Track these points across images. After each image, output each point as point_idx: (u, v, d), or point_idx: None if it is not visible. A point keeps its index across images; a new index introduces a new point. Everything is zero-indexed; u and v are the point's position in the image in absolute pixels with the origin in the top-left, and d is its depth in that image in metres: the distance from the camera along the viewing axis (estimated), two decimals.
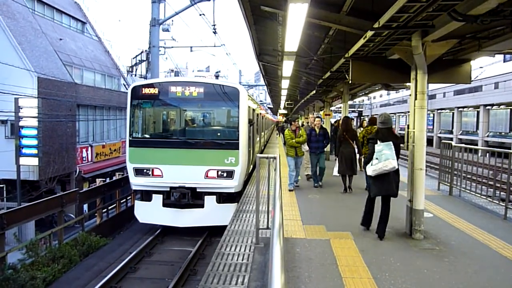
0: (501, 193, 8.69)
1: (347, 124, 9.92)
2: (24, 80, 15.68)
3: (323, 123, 12.09)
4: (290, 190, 9.47)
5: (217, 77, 40.10)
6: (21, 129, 14.42)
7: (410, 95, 6.13)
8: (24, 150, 14.52)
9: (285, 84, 16.20)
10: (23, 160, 14.55)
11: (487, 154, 9.56)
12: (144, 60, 27.71)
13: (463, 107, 39.28)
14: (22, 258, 9.34)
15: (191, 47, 24.65)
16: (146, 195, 10.14)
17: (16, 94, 14.15)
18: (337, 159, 9.59)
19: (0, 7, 16.74)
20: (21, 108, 14.27)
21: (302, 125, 13.38)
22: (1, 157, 15.25)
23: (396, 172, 5.68)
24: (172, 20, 24.44)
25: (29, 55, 16.55)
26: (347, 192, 9.44)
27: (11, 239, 11.01)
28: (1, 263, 8.62)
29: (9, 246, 10.06)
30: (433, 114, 44.85)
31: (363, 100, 62.56)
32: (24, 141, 14.53)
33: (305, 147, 9.91)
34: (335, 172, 9.63)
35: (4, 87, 13.86)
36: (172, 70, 42.61)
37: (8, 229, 9.36)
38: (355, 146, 9.50)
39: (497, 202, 8.05)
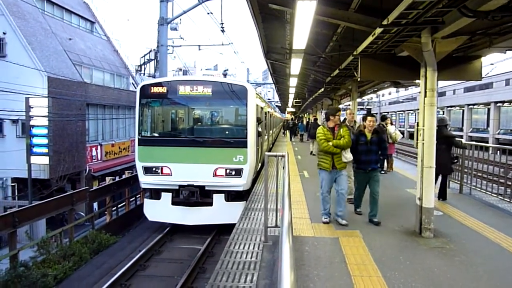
0: (507, 189, 8.60)
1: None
2: (35, 80, 15.87)
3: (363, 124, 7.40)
4: (325, 222, 6.43)
5: (225, 75, 40.11)
6: (32, 128, 14.59)
7: (419, 92, 6.07)
8: (35, 149, 14.69)
9: (293, 82, 16.16)
10: (34, 159, 14.73)
11: (498, 151, 9.45)
12: (152, 59, 27.89)
13: (474, 105, 38.82)
14: (34, 256, 9.48)
15: (199, 45, 24.65)
16: (155, 194, 10.20)
17: (26, 94, 14.32)
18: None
19: (10, 8, 16.93)
20: (32, 107, 14.42)
21: (344, 121, 8.59)
22: (12, 156, 15.47)
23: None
24: (180, 19, 24.49)
25: (39, 55, 16.73)
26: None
27: (23, 237, 11.17)
28: (13, 260, 8.75)
29: (21, 243, 10.21)
30: (443, 112, 44.40)
31: (371, 98, 62.09)
32: (35, 140, 14.69)
33: (348, 156, 6.42)
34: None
35: (15, 87, 14.03)
36: (181, 69, 42.69)
37: (20, 227, 9.50)
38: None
39: (508, 200, 7.95)
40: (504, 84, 34.65)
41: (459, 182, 9.23)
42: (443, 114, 44.38)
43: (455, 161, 8.42)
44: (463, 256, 5.05)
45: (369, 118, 6.81)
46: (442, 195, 8.13)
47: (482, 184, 8.96)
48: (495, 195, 8.38)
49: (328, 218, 6.49)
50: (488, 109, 35.87)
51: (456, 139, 8.38)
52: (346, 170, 6.54)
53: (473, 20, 4.75)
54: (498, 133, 33.97)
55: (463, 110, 40.62)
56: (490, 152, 10.42)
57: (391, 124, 12.49)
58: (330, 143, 6.25)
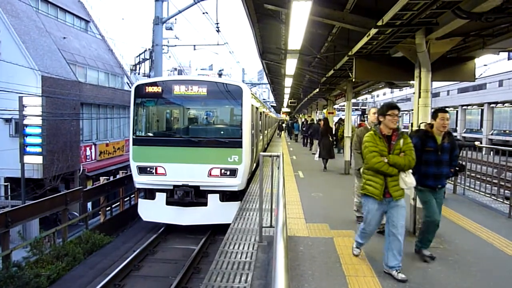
0: (506, 191, 8.66)
1: (327, 123, 13.71)
2: (28, 79, 15.74)
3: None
4: (355, 255, 4.98)
5: (220, 75, 40.08)
6: (25, 128, 14.49)
7: (414, 93, 6.11)
8: (28, 149, 14.60)
9: (288, 82, 16.18)
10: (27, 159, 14.63)
11: (491, 152, 9.52)
12: (147, 59, 27.77)
13: (467, 105, 39.08)
14: (27, 256, 9.41)
15: (194, 45, 24.63)
16: (149, 193, 10.17)
17: (20, 93, 14.21)
18: (318, 147, 12.75)
19: (4, 6, 16.79)
20: (25, 106, 14.33)
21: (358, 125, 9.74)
22: (5, 155, 15.33)
23: None
24: (176, 19, 24.42)
25: (33, 54, 16.61)
26: (325, 171, 12.78)
27: (16, 237, 11.08)
28: (6, 260, 8.68)
29: (14, 244, 10.13)
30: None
31: (366, 98, 62.33)
32: (28, 140, 14.60)
33: (410, 180, 4.36)
34: (316, 157, 13.05)
35: (8, 86, 13.92)
36: (176, 69, 42.65)
37: (13, 227, 9.43)
38: (331, 139, 13.29)
39: (502, 200, 8.01)
40: (498, 85, 34.93)
41: (452, 183, 9.29)
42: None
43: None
44: (456, 256, 5.07)
45: (441, 114, 4.75)
46: None
47: (475, 184, 9.02)
48: (489, 196, 8.44)
49: (358, 252, 4.99)
50: (482, 110, 36.14)
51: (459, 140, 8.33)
52: (404, 200, 4.47)
53: (467, 22, 4.80)
54: (492, 134, 34.23)
55: (457, 111, 40.90)
56: (483, 152, 10.50)
57: None
58: (385, 159, 4.30)
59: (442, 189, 4.95)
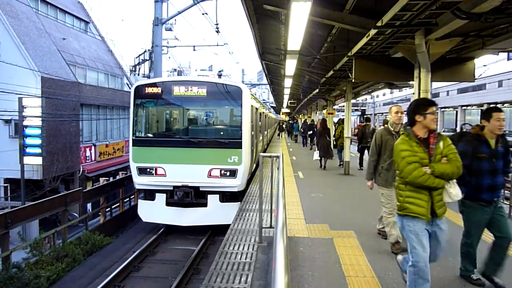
0: (505, 192, 8.65)
1: (324, 124, 14.31)
2: (28, 80, 15.74)
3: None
4: None
5: (220, 76, 40.10)
6: (25, 129, 14.46)
7: (413, 93, 6.11)
8: (28, 150, 14.57)
9: (288, 83, 16.19)
10: (27, 160, 14.60)
11: None
12: (147, 60, 27.72)
13: (467, 106, 39.09)
14: (27, 257, 9.40)
15: (194, 46, 24.62)
16: (149, 194, 10.16)
17: (20, 94, 14.20)
18: (317, 147, 13.70)
19: (4, 7, 16.80)
20: (25, 107, 14.30)
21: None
22: (5, 156, 15.32)
23: None
24: (175, 20, 24.43)
25: (32, 55, 16.61)
26: (325, 169, 13.42)
27: (16, 238, 11.08)
28: (6, 261, 8.68)
29: (14, 245, 10.14)
30: (437, 113, 44.66)
31: (366, 99, 62.40)
32: (28, 141, 14.57)
33: (455, 191, 3.54)
34: (316, 156, 13.67)
35: (8, 87, 13.92)
36: (175, 70, 42.62)
37: (13, 228, 9.43)
38: (329, 139, 13.92)
39: (502, 201, 7.98)
40: (497, 85, 34.96)
41: None
42: (437, 115, 44.61)
43: None
44: (456, 256, 5.06)
45: (496, 114, 3.97)
46: None
47: None
48: None
49: None
50: (481, 110, 36.14)
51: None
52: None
53: (466, 22, 4.80)
54: None
55: (457, 111, 40.91)
56: None
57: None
58: (427, 170, 3.39)
59: (497, 203, 4.12)
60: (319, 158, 13.59)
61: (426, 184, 3.38)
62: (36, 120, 14.54)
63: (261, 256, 5.19)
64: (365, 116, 19.39)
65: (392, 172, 4.83)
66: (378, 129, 5.92)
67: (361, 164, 13.56)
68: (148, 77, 25.56)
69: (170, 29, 25.46)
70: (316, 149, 14.11)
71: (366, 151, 13.20)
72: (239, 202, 9.06)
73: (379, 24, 5.46)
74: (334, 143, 15.54)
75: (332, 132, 16.29)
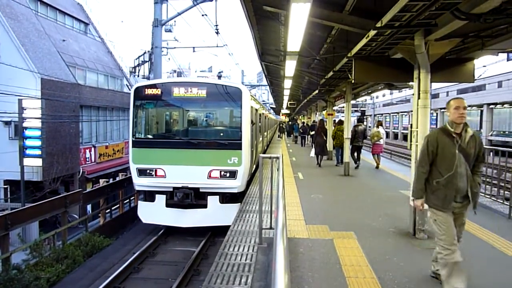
0: (505, 192, 8.65)
1: (322, 124, 15.85)
2: (28, 81, 15.73)
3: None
4: None
5: (219, 77, 40.12)
6: (24, 130, 14.47)
7: (413, 94, 6.11)
8: (27, 151, 14.57)
9: (287, 84, 16.18)
10: (27, 161, 14.60)
11: (491, 153, 9.52)
12: (147, 61, 27.75)
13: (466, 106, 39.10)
14: (26, 259, 9.40)
15: (193, 47, 24.68)
16: (149, 196, 10.16)
17: (19, 95, 14.20)
18: (312, 145, 15.16)
19: (3, 9, 16.80)
20: (25, 109, 14.31)
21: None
22: (5, 158, 15.32)
23: None
24: (175, 21, 24.40)
25: (32, 56, 16.61)
26: (320, 167, 14.44)
27: (15, 239, 11.07)
28: (6, 263, 8.67)
29: (13, 246, 10.13)
30: (436, 113, 44.66)
31: (365, 100, 62.44)
32: (28, 142, 14.57)
33: None
34: (312, 154, 15.48)
35: (8, 88, 13.92)
36: (175, 71, 42.63)
37: (12, 229, 9.42)
38: (325, 138, 15.11)
39: (502, 201, 8.01)
40: (497, 86, 34.96)
41: None
42: (437, 116, 44.67)
43: None
44: None
45: None
46: None
47: None
48: (488, 197, 8.43)
49: None
50: (481, 111, 36.16)
51: None
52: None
53: (466, 23, 4.80)
54: (491, 135, 34.24)
55: None
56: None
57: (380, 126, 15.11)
58: None
59: None
60: (315, 155, 15.19)
61: None
62: (36, 122, 14.55)
63: (261, 257, 5.19)
64: (358, 117, 19.72)
65: (453, 190, 3.81)
66: (432, 130, 4.38)
67: (355, 162, 14.07)
68: (148, 78, 25.59)
69: (170, 31, 25.48)
70: (313, 146, 16.08)
71: (356, 151, 14.27)
72: (239, 203, 9.06)
73: (378, 25, 5.45)
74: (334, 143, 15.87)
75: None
